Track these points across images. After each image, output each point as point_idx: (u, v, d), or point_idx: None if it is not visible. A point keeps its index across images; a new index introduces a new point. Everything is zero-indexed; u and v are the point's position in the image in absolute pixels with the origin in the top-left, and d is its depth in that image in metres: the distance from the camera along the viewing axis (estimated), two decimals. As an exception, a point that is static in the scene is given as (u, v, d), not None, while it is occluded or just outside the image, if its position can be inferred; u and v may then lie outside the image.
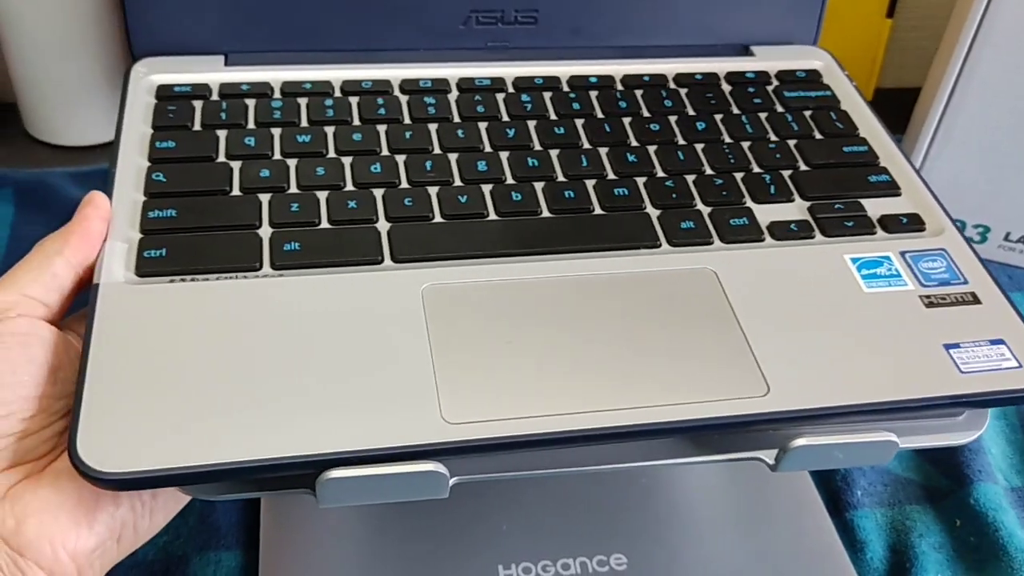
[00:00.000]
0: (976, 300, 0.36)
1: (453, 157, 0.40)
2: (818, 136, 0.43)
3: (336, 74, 0.43)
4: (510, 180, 0.39)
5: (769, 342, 0.33)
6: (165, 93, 0.41)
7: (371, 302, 0.33)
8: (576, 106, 0.43)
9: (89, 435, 0.28)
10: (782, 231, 0.38)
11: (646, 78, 0.45)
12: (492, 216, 0.37)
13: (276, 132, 0.40)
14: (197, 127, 0.40)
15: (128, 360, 0.30)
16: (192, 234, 0.35)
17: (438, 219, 0.37)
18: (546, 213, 0.38)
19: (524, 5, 0.45)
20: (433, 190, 0.38)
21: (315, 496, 0.29)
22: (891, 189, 0.41)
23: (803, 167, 0.42)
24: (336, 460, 0.28)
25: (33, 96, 0.58)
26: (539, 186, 0.39)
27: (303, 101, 0.41)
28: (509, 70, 0.45)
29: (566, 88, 0.44)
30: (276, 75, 0.43)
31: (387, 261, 0.35)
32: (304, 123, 0.40)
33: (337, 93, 0.42)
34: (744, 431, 0.32)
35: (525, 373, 0.31)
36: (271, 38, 0.43)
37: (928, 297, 0.36)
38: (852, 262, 0.37)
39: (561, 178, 0.40)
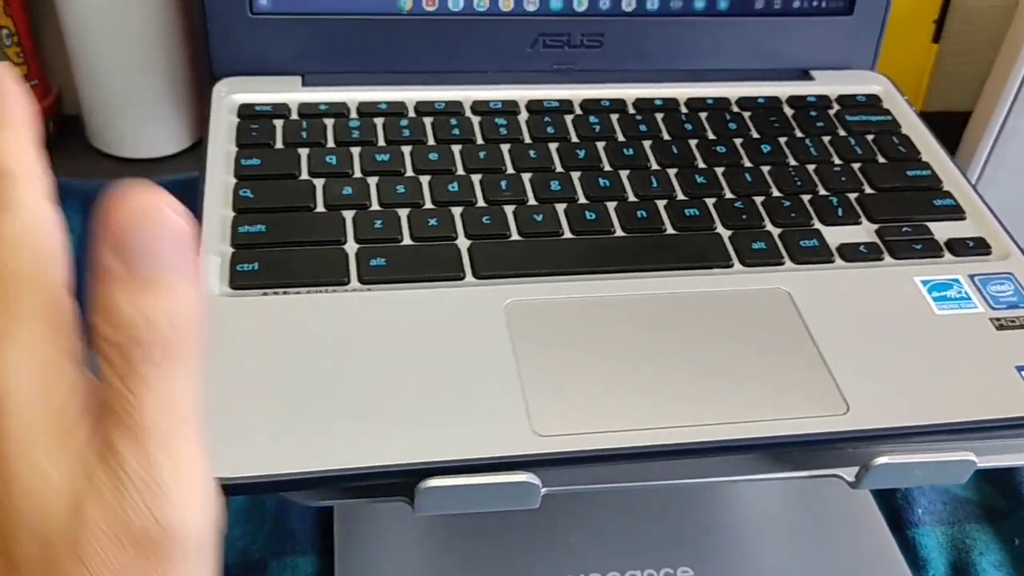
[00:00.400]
0: (1043, 323, 0.37)
1: (526, 177, 0.41)
2: (881, 160, 0.44)
3: (409, 95, 0.44)
4: (583, 199, 0.40)
5: (846, 361, 0.34)
6: (246, 112, 0.42)
7: (456, 317, 0.34)
8: (643, 128, 0.44)
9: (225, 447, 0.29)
10: (852, 253, 0.39)
11: (709, 101, 0.46)
12: (567, 235, 0.38)
13: (355, 151, 0.41)
14: (279, 145, 0.41)
15: (229, 370, 0.31)
16: (282, 249, 0.36)
17: (515, 237, 0.38)
18: (619, 232, 0.39)
19: (590, 29, 0.47)
20: (509, 209, 0.39)
21: (411, 505, 0.30)
22: (956, 213, 0.42)
23: (868, 190, 0.42)
24: (434, 469, 0.29)
25: (100, 108, 0.60)
26: (611, 206, 0.40)
27: (379, 121, 0.43)
28: (576, 92, 0.46)
29: (632, 110, 0.45)
30: (352, 95, 0.44)
31: (469, 277, 0.36)
32: (381, 142, 0.42)
33: (411, 113, 0.43)
34: (824, 449, 0.32)
35: (609, 388, 0.32)
36: (346, 60, 0.45)
37: (998, 320, 0.37)
38: (922, 284, 0.38)
39: (632, 198, 0.40)
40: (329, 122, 0.42)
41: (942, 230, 0.41)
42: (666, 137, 0.44)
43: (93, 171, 0.61)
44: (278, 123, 0.42)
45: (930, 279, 0.38)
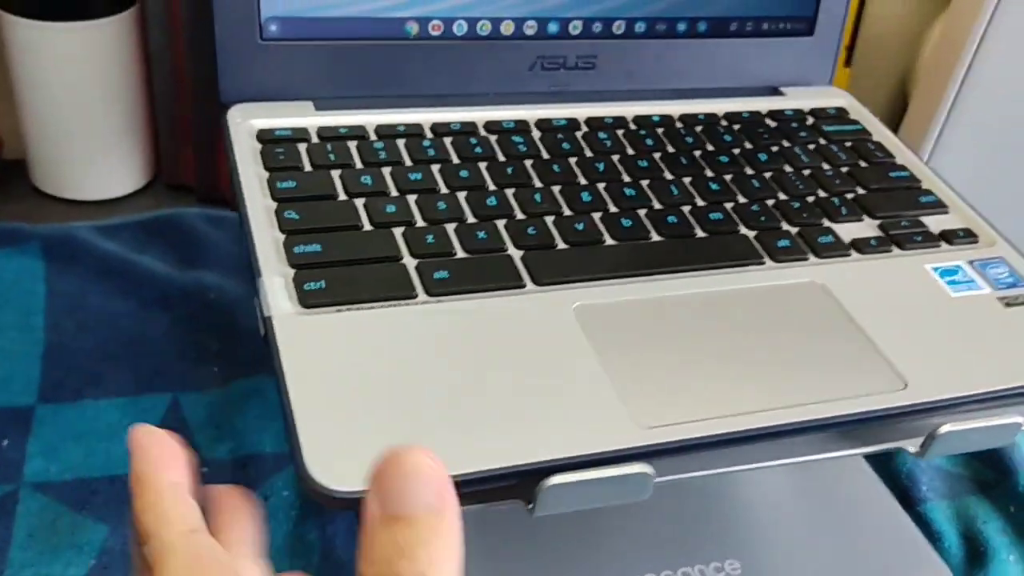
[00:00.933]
0: (1042, 299, 0.41)
1: (555, 189, 0.42)
2: (863, 164, 0.48)
3: (423, 116, 0.44)
4: (613, 209, 0.41)
5: (893, 342, 0.37)
6: (267, 136, 0.41)
7: (530, 322, 0.35)
8: (649, 142, 0.46)
9: (316, 457, 0.28)
10: (865, 246, 0.42)
11: (701, 116, 0.49)
12: (609, 241, 0.40)
13: (386, 171, 0.41)
14: (308, 168, 0.40)
15: (327, 385, 0.31)
16: (343, 267, 0.35)
17: (562, 245, 0.39)
18: (656, 237, 0.40)
19: (584, 52, 0.48)
20: (548, 220, 0.40)
21: (531, 506, 0.30)
22: (940, 207, 0.45)
23: (860, 191, 0.46)
24: (554, 468, 0.29)
25: (47, 151, 0.57)
26: (641, 213, 0.41)
27: (401, 142, 0.43)
28: (578, 111, 0.47)
29: (633, 126, 0.47)
30: (367, 118, 0.44)
31: (530, 285, 0.36)
32: (408, 162, 0.42)
33: (429, 134, 0.44)
34: (891, 423, 0.35)
35: (692, 378, 0.33)
36: (355, 84, 0.45)
37: (1004, 298, 0.40)
38: (933, 271, 0.41)
39: (658, 206, 0.42)
40: (352, 144, 0.42)
41: (933, 223, 0.44)
42: (671, 149, 0.46)
43: (42, 215, 0.58)
44: (301, 147, 0.41)
45: (938, 266, 0.41)
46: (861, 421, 0.34)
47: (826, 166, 0.47)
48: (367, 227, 0.38)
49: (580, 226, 0.40)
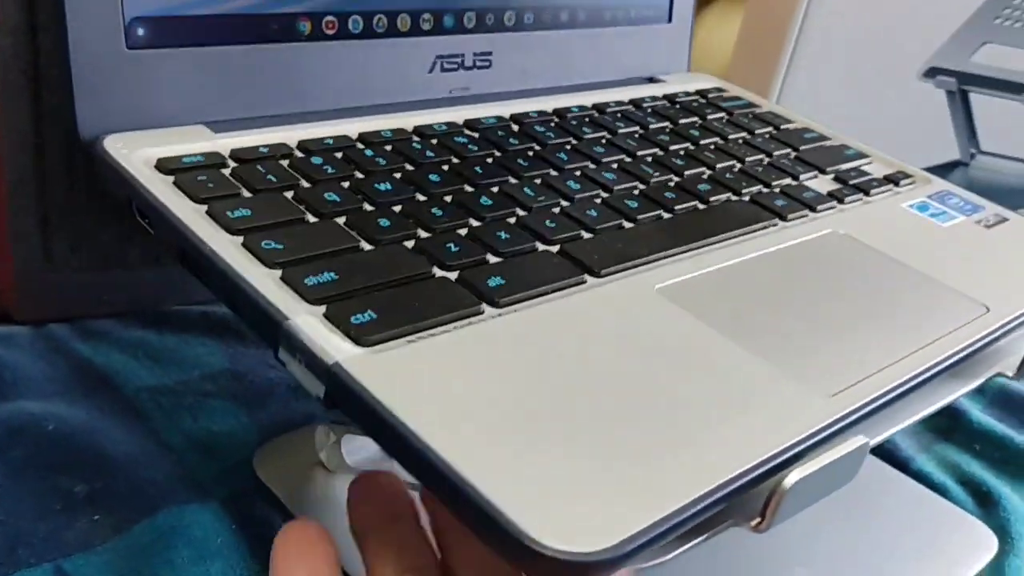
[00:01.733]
0: (1004, 219, 0.41)
1: (537, 182, 0.36)
2: (776, 131, 0.46)
3: (342, 128, 0.36)
4: (606, 192, 0.36)
5: (945, 272, 0.35)
6: (172, 166, 0.31)
7: (626, 314, 0.28)
8: (587, 131, 0.41)
9: (534, 517, 0.19)
10: (842, 195, 0.40)
11: (624, 103, 0.45)
12: (626, 224, 0.34)
13: (345, 184, 0.32)
14: (247, 194, 0.30)
15: (471, 426, 0.22)
16: (374, 293, 0.26)
17: (586, 235, 0.33)
18: (667, 214, 0.35)
19: (481, 47, 0.43)
20: (554, 211, 0.34)
21: (758, 521, 0.23)
22: (864, 158, 0.45)
23: (794, 153, 0.44)
24: (779, 464, 0.23)
25: None
26: (636, 193, 0.36)
27: (339, 155, 0.34)
28: (493, 110, 0.41)
29: (566, 116, 0.42)
30: (283, 135, 0.35)
31: (589, 279, 0.30)
32: (362, 174, 0.33)
33: (360, 144, 0.35)
34: (991, 347, 0.32)
35: (822, 340, 0.29)
36: (247, 98, 0.35)
37: (980, 222, 0.40)
38: (912, 207, 0.40)
39: (651, 183, 0.38)
40: (284, 163, 0.33)
41: (872, 171, 0.44)
42: (622, 131, 0.42)
43: None
44: (224, 172, 0.31)
45: (912, 203, 0.41)
46: (976, 351, 0.31)
47: (749, 136, 0.45)
48: (367, 247, 0.29)
49: (594, 213, 0.34)
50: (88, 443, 0.38)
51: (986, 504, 0.44)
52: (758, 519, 0.23)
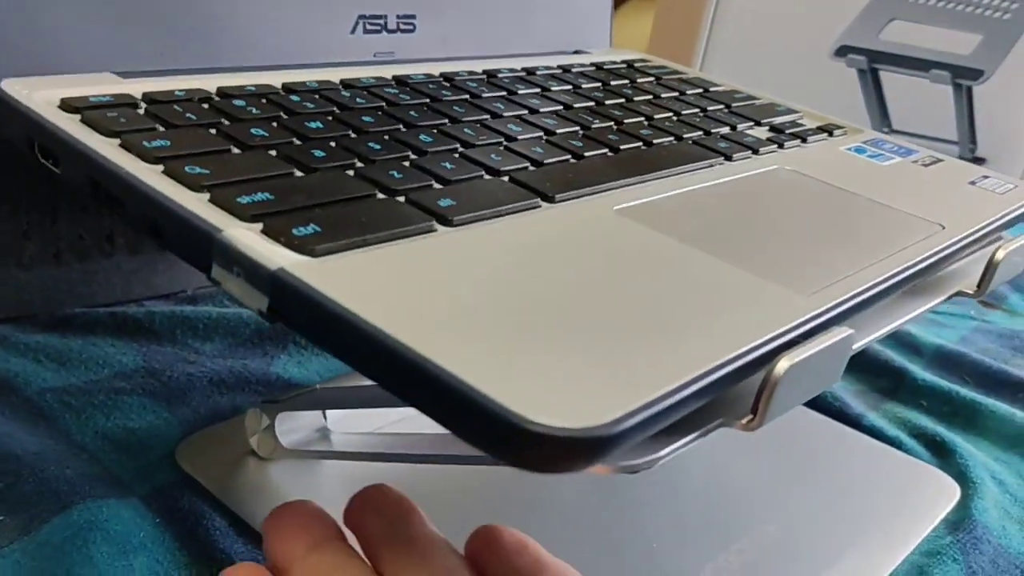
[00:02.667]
0: (939, 159, 0.41)
1: (476, 125, 0.34)
2: (705, 92, 0.46)
3: (265, 79, 0.34)
4: (549, 134, 0.35)
5: (895, 199, 0.34)
6: (80, 104, 0.28)
7: (588, 231, 0.27)
8: (522, 89, 0.40)
9: (519, 396, 0.17)
10: (781, 140, 0.39)
11: (554, 67, 0.44)
12: (572, 160, 0.32)
13: (273, 124, 0.30)
14: (163, 129, 0.28)
15: (435, 316, 0.20)
16: (315, 210, 0.24)
17: (531, 168, 0.31)
18: (612, 153, 0.34)
19: (404, 10, 0.41)
20: (499, 147, 0.32)
21: (751, 418, 0.21)
22: (795, 112, 0.45)
23: (727, 109, 0.43)
24: (771, 349, 0.22)
25: None
26: (580, 135, 0.35)
27: (262, 100, 0.32)
28: (420, 69, 0.40)
29: (496, 76, 0.41)
30: (202, 83, 0.32)
31: (543, 203, 0.28)
32: (288, 116, 0.31)
33: (283, 92, 0.33)
34: (953, 260, 0.31)
35: (787, 252, 0.28)
36: (153, 50, 0.33)
37: (915, 162, 0.40)
38: (849, 150, 0.40)
39: (593, 128, 0.36)
40: (204, 105, 0.30)
41: (805, 123, 0.43)
42: (555, 88, 0.41)
43: None
44: (139, 111, 0.29)
45: (850, 146, 0.40)
46: (939, 261, 0.30)
47: (680, 95, 0.44)
48: (299, 174, 0.27)
49: (539, 149, 0.32)
50: (-14, 441, 0.34)
51: (942, 454, 0.43)
52: (750, 416, 0.21)
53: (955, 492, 0.40)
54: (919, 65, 0.63)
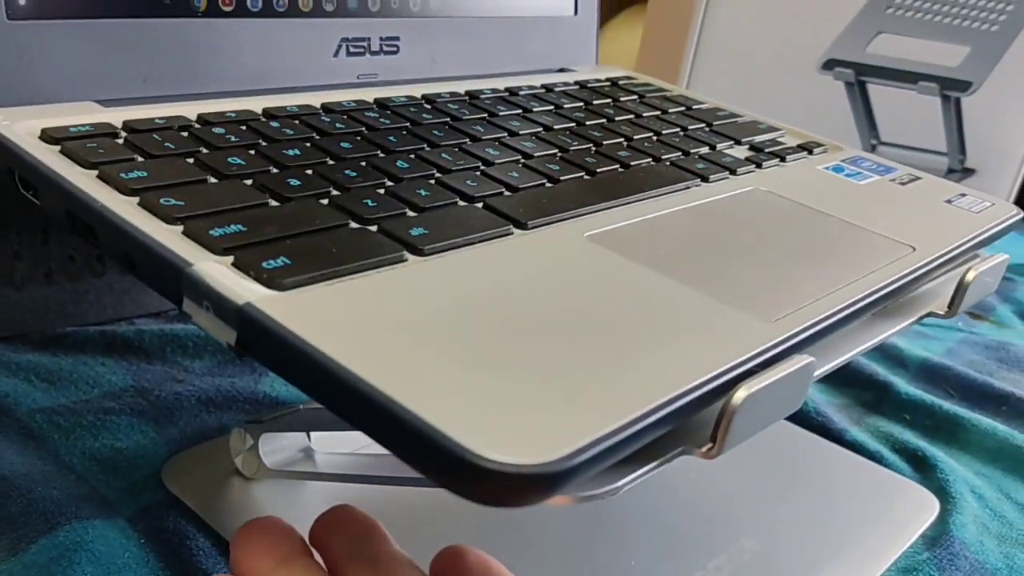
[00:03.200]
0: (917, 177, 0.41)
1: (454, 150, 0.34)
2: (687, 110, 0.46)
3: (247, 104, 0.34)
4: (525, 159, 0.35)
5: (868, 220, 0.34)
6: (60, 135, 0.28)
7: (556, 258, 0.27)
8: (502, 109, 0.40)
9: (473, 431, 0.18)
10: (759, 160, 0.40)
11: (536, 87, 0.44)
12: (547, 184, 0.33)
13: (251, 152, 0.30)
14: (142, 159, 0.28)
15: (394, 350, 0.20)
16: (286, 241, 0.25)
17: (507, 193, 0.31)
18: (588, 176, 0.34)
19: (387, 32, 0.41)
20: (475, 173, 0.32)
21: (710, 447, 0.22)
22: (776, 130, 0.45)
23: (707, 128, 0.44)
24: (730, 379, 0.22)
25: None
26: (556, 158, 0.35)
27: (242, 127, 0.32)
28: (403, 91, 0.40)
29: (477, 98, 0.41)
30: (182, 109, 0.32)
31: (515, 230, 0.29)
32: (267, 143, 0.31)
33: (263, 118, 0.34)
34: (922, 282, 0.32)
35: (755, 276, 0.28)
36: (137, 77, 0.33)
37: (894, 180, 0.40)
38: (826, 169, 0.40)
39: (570, 150, 0.37)
40: (184, 134, 0.31)
41: (785, 141, 0.44)
42: (537, 109, 0.41)
43: None
44: (117, 141, 0.29)
45: (827, 165, 0.41)
46: (908, 283, 0.30)
47: (662, 114, 0.45)
48: (274, 203, 0.27)
49: (515, 174, 0.33)
50: (-24, 464, 0.35)
51: (923, 469, 0.43)
52: (709, 444, 0.22)
53: (934, 507, 0.40)
54: (907, 77, 0.64)
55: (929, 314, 0.33)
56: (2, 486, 0.34)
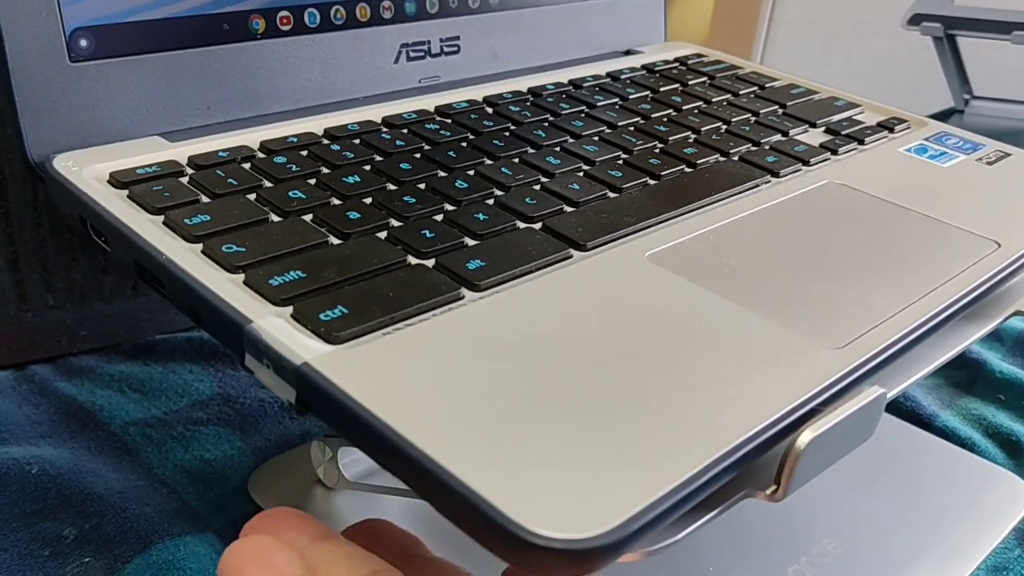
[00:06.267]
0: (1006, 154, 0.39)
1: (515, 161, 0.34)
2: (761, 90, 0.45)
3: (308, 126, 0.35)
4: (587, 165, 0.34)
5: (948, 214, 0.33)
6: (127, 179, 0.29)
7: (616, 284, 0.26)
8: (566, 106, 0.40)
9: (525, 506, 0.18)
10: (835, 146, 0.38)
11: (603, 76, 0.44)
12: (611, 194, 0.32)
13: (311, 182, 0.30)
14: (206, 200, 0.29)
15: (454, 418, 0.20)
16: (345, 287, 0.25)
17: (569, 209, 0.31)
18: (653, 181, 0.34)
19: (447, 33, 0.41)
20: (535, 188, 0.32)
21: (774, 489, 0.21)
22: (855, 107, 0.43)
23: (782, 110, 0.42)
24: (792, 420, 0.21)
25: None
26: (619, 163, 0.35)
27: (304, 153, 0.32)
28: (464, 95, 0.40)
29: (542, 94, 0.41)
30: (244, 138, 0.33)
31: (575, 253, 0.28)
32: (329, 169, 0.32)
33: (325, 140, 0.34)
34: (1008, 281, 0.30)
35: (822, 293, 0.27)
36: (202, 106, 0.34)
37: (981, 159, 0.38)
38: (909, 151, 0.38)
39: (634, 152, 0.36)
40: (246, 166, 0.31)
41: (864, 120, 0.42)
42: (601, 104, 0.40)
43: None
44: (183, 180, 0.30)
45: (910, 147, 0.39)
46: (990, 288, 0.29)
47: (733, 97, 0.43)
48: (335, 241, 0.27)
49: (576, 186, 0.32)
50: (75, 484, 0.37)
51: (1016, 454, 0.42)
52: (773, 487, 0.21)
53: (1029, 496, 0.39)
54: (1000, 28, 0.60)
55: (1015, 313, 0.31)
56: (99, 505, 0.36)
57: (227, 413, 0.42)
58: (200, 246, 0.26)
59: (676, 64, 0.47)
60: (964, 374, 0.48)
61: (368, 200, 0.30)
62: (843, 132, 0.40)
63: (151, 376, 0.45)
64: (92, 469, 0.38)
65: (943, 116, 0.62)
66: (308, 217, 0.28)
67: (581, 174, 0.33)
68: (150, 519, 0.35)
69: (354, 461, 0.37)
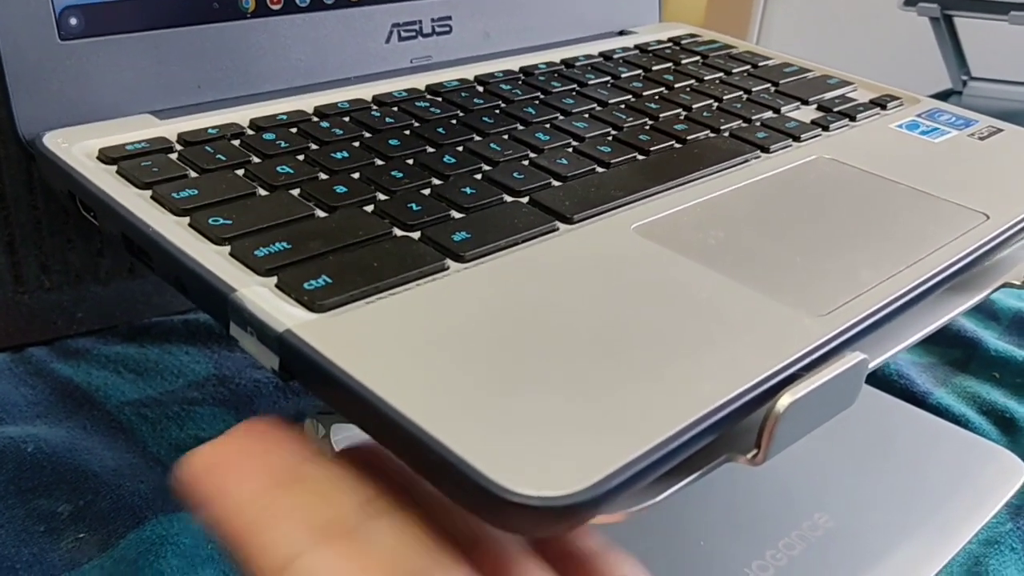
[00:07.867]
0: (998, 130, 0.39)
1: (504, 136, 0.34)
2: (753, 68, 0.45)
3: (298, 104, 0.35)
4: (577, 141, 0.34)
5: (937, 187, 0.33)
6: (116, 155, 0.29)
7: (601, 255, 0.27)
8: (556, 84, 0.40)
9: (503, 465, 0.18)
10: (826, 122, 0.38)
11: (595, 55, 0.44)
12: (599, 169, 0.32)
13: (299, 158, 0.31)
14: (194, 175, 0.29)
15: (434, 381, 0.20)
16: (330, 257, 0.25)
17: (556, 183, 0.31)
18: (642, 156, 0.34)
19: (439, 13, 0.41)
20: (523, 163, 0.32)
21: (755, 453, 0.21)
22: (848, 85, 0.43)
23: (774, 88, 0.42)
24: (773, 384, 0.21)
25: None
26: (609, 139, 0.35)
27: (293, 130, 0.33)
28: (456, 73, 0.40)
29: (532, 73, 0.41)
30: (234, 115, 0.33)
31: (561, 226, 0.28)
32: (317, 145, 0.32)
33: (315, 117, 0.34)
34: (996, 253, 0.30)
35: (807, 262, 0.27)
36: (191, 84, 0.34)
37: (973, 134, 0.38)
38: (901, 127, 0.38)
39: (624, 128, 0.36)
40: (236, 142, 0.31)
41: (856, 97, 0.42)
42: (592, 83, 0.40)
43: None
44: (171, 156, 0.30)
45: (901, 123, 0.39)
46: (978, 259, 0.29)
47: (725, 75, 0.43)
48: (321, 214, 0.27)
49: (564, 161, 0.32)
50: (71, 462, 0.37)
51: (1010, 431, 0.42)
52: (754, 451, 0.21)
53: (1020, 471, 0.39)
54: (997, 8, 0.60)
55: (1004, 285, 0.31)
56: (94, 483, 0.36)
57: (222, 393, 0.42)
58: (187, 219, 0.26)
59: (669, 44, 0.47)
60: (960, 352, 0.48)
61: (356, 175, 0.30)
62: (835, 109, 0.40)
63: (147, 357, 0.45)
64: (87, 447, 0.38)
65: (941, 97, 0.62)
66: (295, 191, 0.28)
67: (570, 150, 0.34)
68: (144, 496, 0.35)
69: (347, 439, 0.37)
